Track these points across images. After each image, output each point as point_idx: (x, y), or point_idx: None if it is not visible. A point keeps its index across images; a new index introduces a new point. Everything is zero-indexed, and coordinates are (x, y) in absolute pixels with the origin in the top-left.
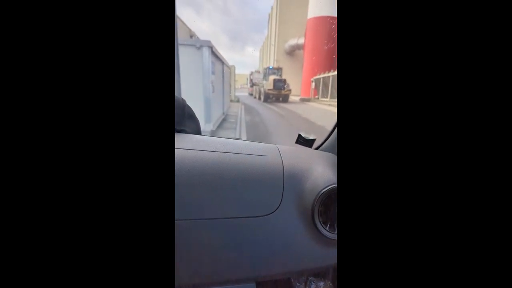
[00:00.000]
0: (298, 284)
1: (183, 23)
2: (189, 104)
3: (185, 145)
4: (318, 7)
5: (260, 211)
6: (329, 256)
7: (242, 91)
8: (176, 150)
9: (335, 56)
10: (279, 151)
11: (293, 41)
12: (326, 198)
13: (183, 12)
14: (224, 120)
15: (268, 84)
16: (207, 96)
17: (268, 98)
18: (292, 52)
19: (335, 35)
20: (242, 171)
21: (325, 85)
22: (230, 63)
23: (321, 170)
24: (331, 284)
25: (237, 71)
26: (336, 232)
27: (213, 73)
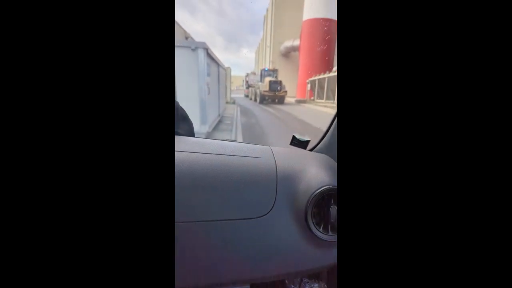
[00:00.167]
0: (292, 286)
1: (178, 25)
2: (184, 106)
3: (179, 147)
4: (313, 9)
5: (254, 213)
6: (323, 258)
7: (237, 93)
8: None
9: (327, 58)
10: (272, 153)
11: (288, 43)
12: (319, 200)
13: (178, 13)
14: (220, 121)
15: (264, 86)
16: (203, 97)
17: (263, 99)
18: (287, 53)
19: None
20: (235, 173)
21: (321, 86)
22: (226, 64)
23: (315, 172)
24: (325, 285)
25: (232, 73)
26: (329, 233)
27: (208, 74)
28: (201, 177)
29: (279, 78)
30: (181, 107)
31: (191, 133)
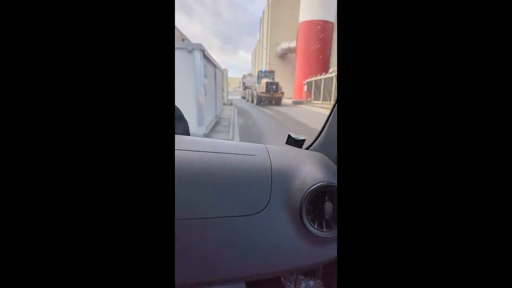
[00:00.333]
0: (288, 283)
1: (175, 27)
2: (181, 108)
3: (175, 146)
4: (309, 11)
5: (249, 210)
6: (318, 254)
7: (235, 94)
8: None
9: (323, 59)
10: (267, 151)
11: (285, 45)
12: (314, 196)
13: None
14: (217, 123)
15: (261, 87)
16: (199, 99)
17: (261, 101)
18: (284, 55)
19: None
20: (230, 171)
21: (317, 87)
22: (223, 66)
23: (309, 169)
24: (320, 282)
25: (229, 75)
26: (324, 230)
27: (205, 76)
28: (196, 175)
29: (276, 80)
30: (176, 107)
31: (187, 132)
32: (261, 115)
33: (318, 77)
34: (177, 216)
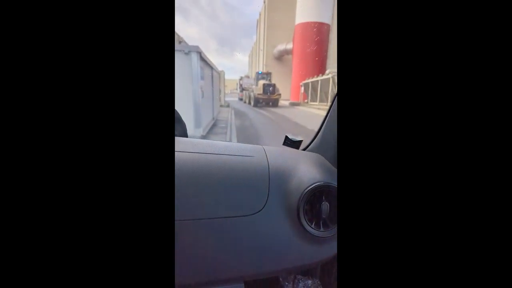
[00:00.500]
0: (286, 283)
1: None
2: (178, 110)
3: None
4: (305, 13)
5: (247, 211)
6: (315, 253)
7: (232, 96)
8: None
9: (320, 60)
10: (265, 152)
11: (281, 46)
12: (311, 196)
13: None
14: (214, 125)
15: (258, 89)
16: (197, 101)
17: (258, 102)
18: (281, 57)
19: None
20: (228, 172)
21: (314, 89)
22: (220, 68)
23: (306, 169)
24: (318, 282)
25: (226, 76)
26: (321, 229)
27: (202, 78)
28: (194, 176)
29: (273, 81)
30: (174, 109)
31: (184, 134)
32: (258, 116)
33: (315, 79)
34: (176, 217)
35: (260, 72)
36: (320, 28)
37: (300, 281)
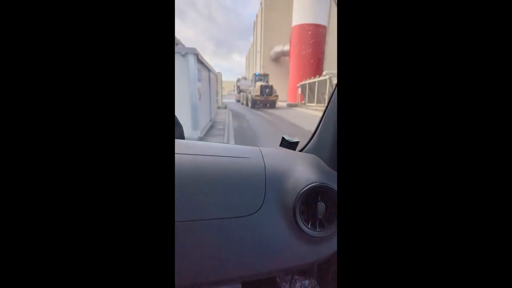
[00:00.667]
0: (284, 283)
1: None
2: (176, 112)
3: None
4: (302, 15)
5: (243, 212)
6: (312, 253)
7: (229, 98)
8: None
9: (317, 62)
10: (261, 153)
11: (278, 48)
12: (307, 197)
13: None
14: (212, 127)
15: (255, 91)
16: (194, 103)
17: (255, 104)
18: (278, 58)
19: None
20: (224, 173)
21: (311, 90)
22: (217, 70)
23: (302, 170)
24: (315, 281)
25: (224, 78)
26: (317, 229)
27: (199, 80)
28: (191, 178)
29: (270, 83)
30: None
31: (181, 137)
32: (255, 118)
33: (312, 80)
34: (174, 218)
35: (257, 74)
36: (317, 30)
37: (297, 281)
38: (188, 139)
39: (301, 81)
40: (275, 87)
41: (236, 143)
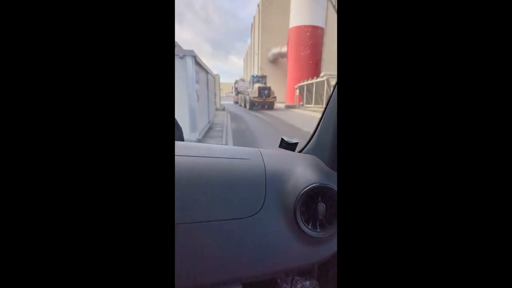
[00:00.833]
0: (284, 285)
1: None
2: (174, 114)
3: None
4: (299, 17)
5: (244, 213)
6: (313, 254)
7: (227, 100)
8: None
9: (314, 63)
10: (261, 154)
11: (276, 50)
12: (307, 198)
13: None
14: (210, 128)
15: (253, 92)
16: (192, 105)
17: (253, 105)
18: (275, 60)
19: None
20: (224, 175)
21: (309, 91)
22: (215, 71)
23: (302, 171)
24: (316, 282)
25: (222, 80)
26: (318, 230)
27: (197, 82)
28: (191, 180)
29: (268, 84)
30: None
31: (181, 139)
32: (254, 119)
33: (309, 81)
34: (174, 220)
35: (255, 76)
36: (314, 32)
37: (298, 282)
38: (187, 141)
39: (299, 83)
40: (273, 88)
41: (234, 144)
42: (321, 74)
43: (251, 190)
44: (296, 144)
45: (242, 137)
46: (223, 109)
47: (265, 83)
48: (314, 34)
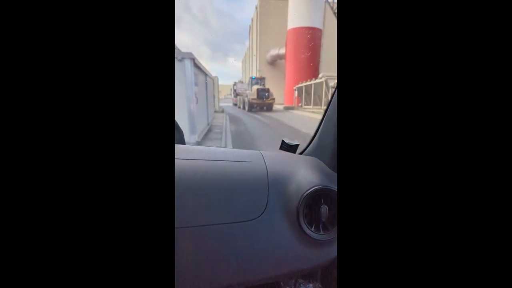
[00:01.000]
0: (287, 287)
1: None
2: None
3: None
4: (297, 19)
5: (246, 216)
6: (316, 256)
7: (226, 102)
8: None
9: (313, 65)
10: (262, 157)
11: (274, 51)
12: (310, 200)
13: None
14: (209, 130)
15: (252, 94)
16: (191, 107)
17: (252, 107)
18: (273, 62)
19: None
20: (226, 178)
21: (308, 93)
22: (213, 74)
23: (304, 173)
24: (319, 285)
25: (220, 82)
26: (321, 232)
27: (196, 84)
28: (193, 183)
29: (267, 86)
30: None
31: (182, 142)
32: (253, 121)
33: (308, 82)
34: (176, 224)
35: (253, 77)
36: (312, 33)
37: (301, 285)
38: (186, 143)
39: (298, 84)
40: (271, 90)
41: (233, 146)
42: (320, 75)
43: (253, 193)
44: (297, 146)
45: (241, 139)
46: (222, 111)
47: (263, 84)
48: (312, 35)
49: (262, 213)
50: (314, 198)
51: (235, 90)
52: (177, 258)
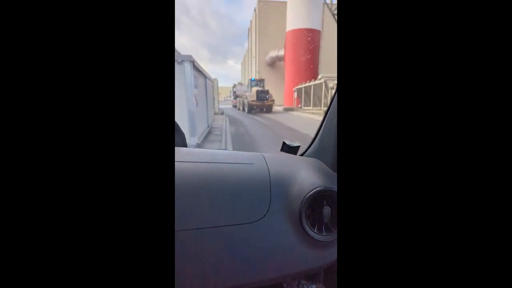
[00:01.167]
0: None
1: None
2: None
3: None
4: (296, 20)
5: (249, 218)
6: (319, 258)
7: (225, 104)
8: None
9: (312, 66)
10: (264, 159)
11: (273, 53)
12: (312, 201)
13: None
14: (209, 132)
15: (252, 96)
16: (191, 109)
17: (252, 109)
18: (273, 63)
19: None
20: (229, 180)
21: (307, 94)
22: (213, 76)
23: (306, 175)
24: (322, 286)
25: (220, 84)
26: (323, 233)
27: (195, 87)
28: (195, 186)
29: (266, 87)
30: None
31: (184, 144)
32: (253, 123)
33: (307, 84)
34: (177, 227)
35: (253, 79)
36: (311, 35)
37: (304, 286)
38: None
39: (297, 85)
40: (271, 91)
41: (233, 148)
42: (319, 76)
43: (256, 195)
44: (298, 147)
45: (241, 141)
46: (222, 113)
47: (263, 86)
48: (311, 37)
49: (264, 215)
50: (316, 200)
51: (234, 92)
52: (179, 261)
